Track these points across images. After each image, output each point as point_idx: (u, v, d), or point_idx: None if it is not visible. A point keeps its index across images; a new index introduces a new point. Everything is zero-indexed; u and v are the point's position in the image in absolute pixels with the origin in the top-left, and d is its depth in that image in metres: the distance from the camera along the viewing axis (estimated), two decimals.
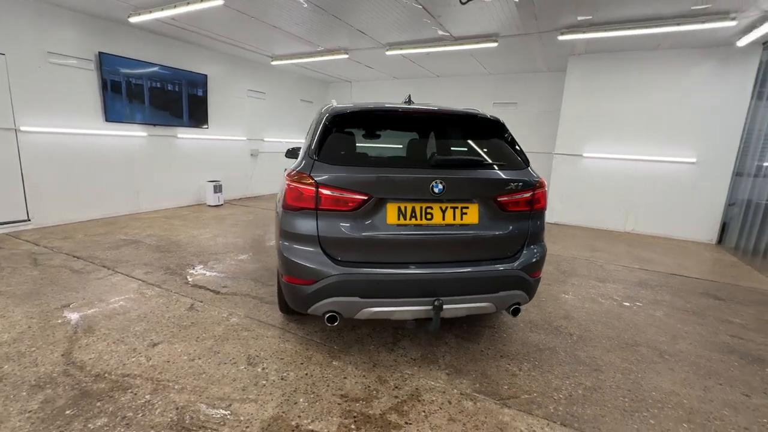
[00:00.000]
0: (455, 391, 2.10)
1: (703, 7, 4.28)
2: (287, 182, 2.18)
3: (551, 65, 7.51)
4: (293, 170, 2.23)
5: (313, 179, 2.06)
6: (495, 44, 5.71)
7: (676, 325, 3.07)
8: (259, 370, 2.20)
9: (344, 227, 2.08)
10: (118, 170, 6.06)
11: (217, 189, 7.34)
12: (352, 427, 1.80)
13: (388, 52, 6.54)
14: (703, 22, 4.55)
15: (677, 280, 4.20)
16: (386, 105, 2.42)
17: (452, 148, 2.29)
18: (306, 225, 2.10)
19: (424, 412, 1.92)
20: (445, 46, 6.07)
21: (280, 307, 2.85)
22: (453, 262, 2.18)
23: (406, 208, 2.09)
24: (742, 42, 5.13)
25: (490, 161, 2.30)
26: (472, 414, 1.92)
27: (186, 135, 7.01)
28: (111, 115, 5.75)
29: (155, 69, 6.25)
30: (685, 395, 2.17)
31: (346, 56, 7.01)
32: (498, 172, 2.24)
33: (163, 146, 6.71)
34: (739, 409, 2.07)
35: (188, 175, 7.21)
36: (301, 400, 1.97)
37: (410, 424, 1.84)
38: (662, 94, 6.13)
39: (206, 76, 7.11)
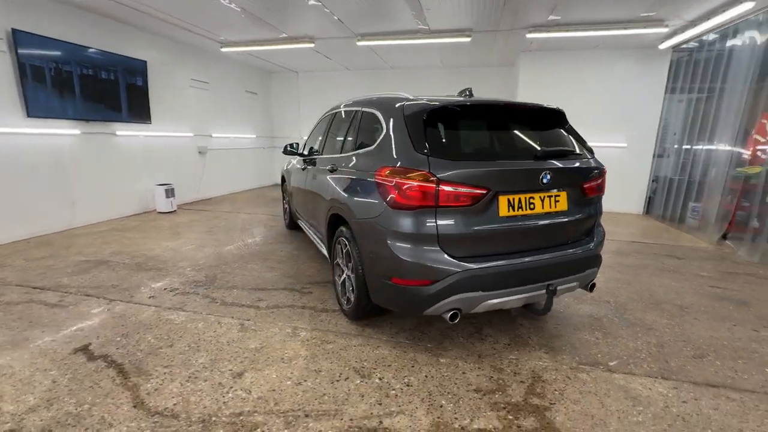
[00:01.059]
0: (564, 366, 2.26)
1: (649, 14, 5.06)
2: (397, 181, 2.06)
3: (502, 60, 8.11)
4: (396, 167, 2.10)
5: (434, 176, 1.98)
6: (468, 39, 5.97)
7: (670, 283, 3.68)
8: (377, 380, 2.07)
9: (462, 223, 2.05)
10: (46, 177, 4.91)
11: (170, 193, 6.42)
12: (510, 417, 1.83)
13: (360, 43, 6.38)
14: (644, 27, 5.38)
15: (640, 246, 4.99)
16: (482, 99, 2.38)
17: (536, 140, 2.39)
18: (424, 224, 2.02)
19: (556, 390, 2.03)
20: (419, 39, 6.14)
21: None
22: (552, 248, 2.31)
23: (515, 199, 2.14)
24: (663, 45, 6.19)
25: (577, 151, 2.46)
26: (594, 384, 2.09)
27: (126, 132, 5.96)
28: (34, 109, 4.61)
29: (87, 53, 5.16)
30: (720, 338, 2.65)
31: (312, 45, 6.64)
32: (585, 160, 2.42)
33: (99, 146, 5.61)
34: (762, 342, 2.60)
35: (132, 179, 6.16)
36: (444, 402, 1.92)
37: (554, 404, 1.93)
38: (599, 87, 7.08)
39: (146, 62, 6.10)
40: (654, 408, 1.92)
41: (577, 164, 2.34)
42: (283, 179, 5.53)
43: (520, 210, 2.16)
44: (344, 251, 2.70)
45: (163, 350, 2.32)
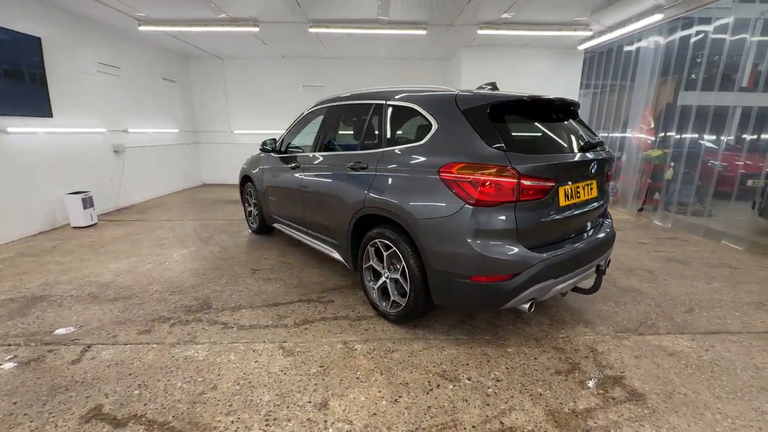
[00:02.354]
0: (607, 337, 2.51)
1: (581, 18, 5.75)
2: (475, 177, 2.00)
3: (441, 54, 8.42)
4: (471, 163, 2.04)
5: (515, 170, 1.98)
6: (424, 32, 6.04)
7: (627, 251, 4.33)
8: (467, 381, 2.03)
9: (535, 215, 2.10)
10: None
11: (87, 203, 5.24)
12: (601, 392, 1.97)
13: (312, 30, 5.97)
14: (574, 30, 6.10)
15: None
16: (528, 94, 2.40)
17: (571, 132, 2.52)
18: (505, 219, 2.02)
19: (617, 360, 2.25)
20: (376, 29, 6.00)
21: None
22: (590, 231, 2.52)
23: (570, 190, 2.26)
24: (581, 47, 7.11)
25: (602, 141, 2.68)
26: (638, 349, 2.37)
27: (20, 128, 4.64)
28: None
29: None
30: (691, 293, 3.22)
31: (256, 30, 5.99)
32: (608, 150, 2.66)
33: None
34: (718, 291, 3.24)
35: (32, 188, 4.85)
36: (540, 390, 1.97)
37: (623, 372, 2.14)
38: (528, 81, 7.85)
39: (39, 40, 4.81)
40: (692, 360, 2.26)
41: (604, 154, 2.58)
42: (245, 180, 4.95)
43: (572, 199, 2.30)
44: (386, 254, 2.55)
45: (209, 395, 1.92)
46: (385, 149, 2.62)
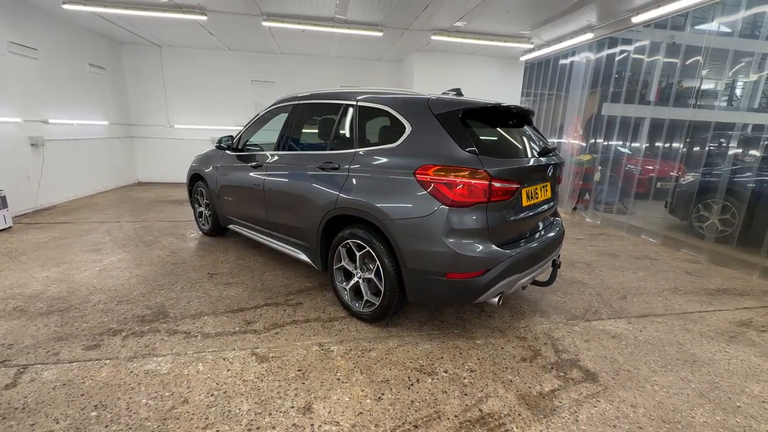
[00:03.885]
0: (560, 324, 2.76)
1: (524, 32, 6.21)
2: (451, 179, 2.10)
3: (392, 57, 8.56)
4: (446, 165, 2.13)
5: (487, 173, 2.10)
6: (380, 34, 6.11)
7: (567, 246, 4.78)
8: (444, 374, 2.13)
9: (502, 215, 2.26)
10: None
11: (1, 203, 4.55)
12: (561, 374, 2.18)
13: (265, 23, 5.74)
14: (518, 42, 6.57)
15: None
16: (495, 102, 2.53)
17: (528, 138, 2.71)
18: (478, 218, 2.15)
19: (571, 344, 2.50)
20: (332, 27, 5.94)
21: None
22: (545, 228, 2.76)
23: (530, 191, 2.46)
24: (523, 58, 7.68)
25: (555, 147, 2.93)
26: (587, 333, 2.65)
27: None
28: None
29: None
30: (623, 282, 3.66)
31: (203, 18, 5.61)
32: (559, 155, 2.92)
33: None
34: (643, 280, 3.72)
35: None
36: (510, 377, 2.13)
37: (578, 355, 2.38)
38: (475, 88, 8.29)
39: None
40: (630, 340, 2.59)
41: (556, 159, 2.83)
42: (194, 179, 4.64)
43: (532, 200, 2.51)
44: (359, 255, 2.57)
45: (181, 410, 1.80)
46: (357, 150, 2.64)
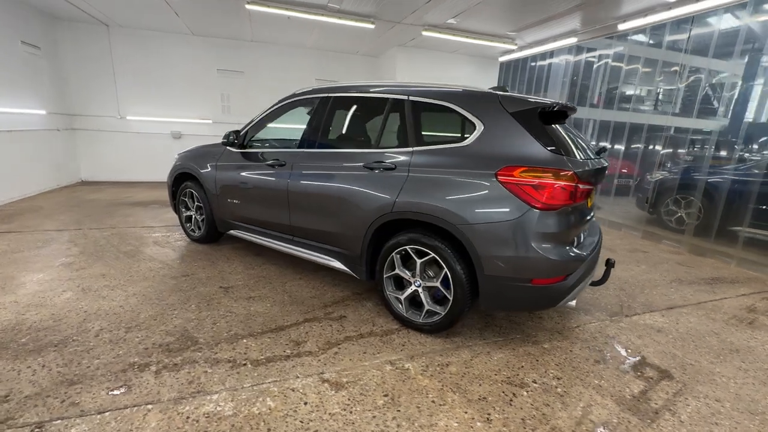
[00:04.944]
0: (606, 321, 2.81)
1: (511, 33, 6.34)
2: (542, 181, 1.99)
3: (370, 51, 8.33)
4: (535, 167, 2.02)
5: (575, 174, 2.03)
6: (372, 26, 5.86)
7: None
8: (535, 384, 2.03)
9: (576, 217, 2.21)
10: None
11: None
12: (639, 374, 2.19)
13: (250, 6, 5.22)
14: (503, 42, 6.70)
15: None
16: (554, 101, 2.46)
17: (579, 137, 2.66)
18: (562, 222, 2.08)
19: (628, 342, 2.54)
20: (322, 15, 5.57)
21: None
22: (591, 229, 2.77)
23: (592, 192, 2.45)
24: (502, 58, 7.88)
25: (604, 147, 2.95)
26: (634, 329, 2.72)
27: None
28: None
29: None
30: (633, 276, 3.86)
31: None
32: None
33: None
34: (652, 272, 3.96)
35: None
36: (596, 381, 2.09)
37: (640, 351, 2.42)
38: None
39: None
40: (673, 333, 2.70)
41: (606, 161, 2.86)
42: (180, 178, 4.08)
43: (591, 200, 2.50)
44: (420, 262, 2.38)
45: None
46: (413, 148, 2.44)
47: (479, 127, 2.24)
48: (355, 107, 2.99)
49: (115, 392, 1.83)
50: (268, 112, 3.45)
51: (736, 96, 6.39)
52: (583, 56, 6.97)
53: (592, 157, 2.44)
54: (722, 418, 1.87)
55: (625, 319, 2.88)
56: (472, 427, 1.72)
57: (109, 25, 7.08)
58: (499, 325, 2.68)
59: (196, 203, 3.97)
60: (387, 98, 2.65)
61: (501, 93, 2.33)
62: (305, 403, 1.82)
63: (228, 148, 3.59)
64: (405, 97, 2.56)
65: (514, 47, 6.91)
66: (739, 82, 5.83)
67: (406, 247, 2.42)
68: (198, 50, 7.70)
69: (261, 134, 3.57)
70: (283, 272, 3.44)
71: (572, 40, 6.11)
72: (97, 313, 2.57)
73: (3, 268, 3.21)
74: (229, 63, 7.96)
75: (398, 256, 2.50)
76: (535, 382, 2.07)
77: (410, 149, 2.45)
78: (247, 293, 2.99)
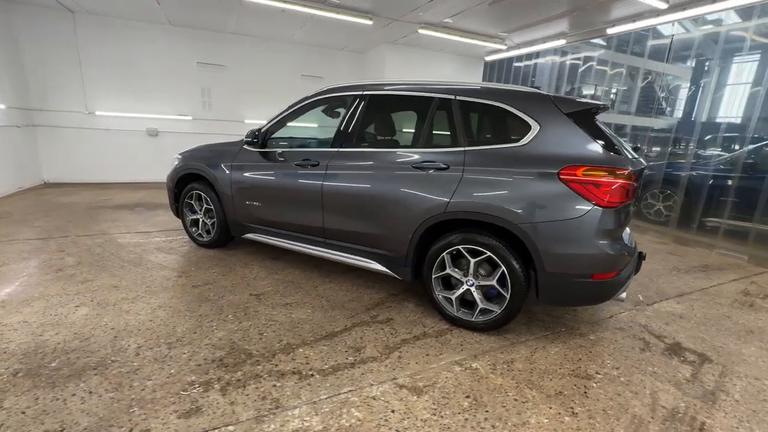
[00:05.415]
0: (634, 311, 2.98)
1: (502, 33, 6.50)
2: (606, 179, 2.06)
3: (358, 47, 8.22)
4: (597, 165, 2.09)
5: (632, 172, 2.12)
6: (370, 22, 5.77)
7: None
8: (600, 376, 2.11)
9: (626, 213, 2.31)
10: None
11: None
12: (683, 359, 2.34)
13: None
14: (494, 42, 6.85)
15: None
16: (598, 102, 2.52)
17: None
18: (619, 218, 2.17)
19: (659, 328, 2.71)
20: (318, 9, 5.40)
21: None
22: None
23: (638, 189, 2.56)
24: (488, 57, 8.06)
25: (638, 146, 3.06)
26: (659, 316, 2.91)
27: None
28: None
29: None
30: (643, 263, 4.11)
31: None
32: None
33: None
34: (655, 261, 4.24)
35: None
36: (651, 369, 2.21)
37: (674, 337, 2.59)
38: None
39: None
40: (694, 318, 2.91)
41: None
42: (184, 180, 3.82)
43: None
44: (473, 261, 2.39)
45: None
46: (465, 148, 2.44)
47: (535, 127, 2.28)
48: (394, 106, 2.94)
49: (187, 416, 1.69)
50: (290, 110, 3.29)
51: (689, 97, 6.89)
52: (557, 58, 7.31)
53: (636, 156, 2.56)
54: None
55: (647, 307, 3.07)
56: (561, 422, 1.76)
57: (75, 11, 6.44)
58: (541, 319, 2.76)
59: (204, 206, 3.72)
60: (432, 97, 2.63)
61: (553, 94, 2.38)
62: (392, 411, 1.78)
63: (245, 147, 3.40)
64: (452, 97, 2.55)
65: (503, 47, 7.10)
66: (689, 85, 6.33)
67: (459, 246, 2.42)
68: (176, 41, 7.21)
69: (281, 133, 3.41)
70: (309, 276, 3.32)
71: (560, 42, 6.38)
72: (126, 329, 2.34)
73: None
74: (209, 56, 7.53)
75: (448, 256, 2.49)
76: (599, 374, 2.15)
77: (462, 149, 2.44)
78: (281, 300, 2.86)
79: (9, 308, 2.52)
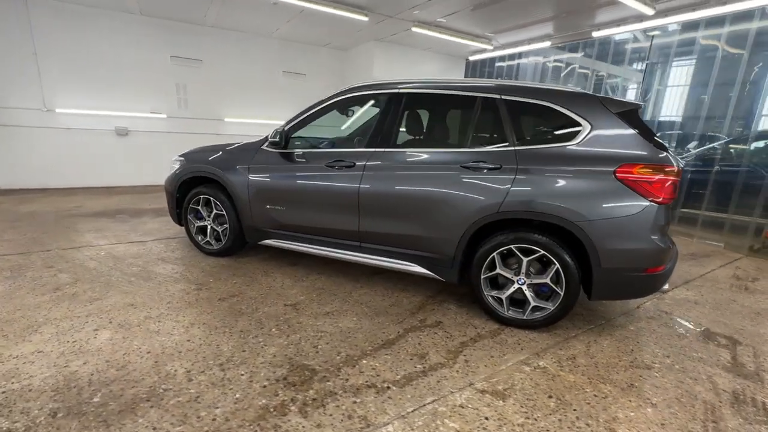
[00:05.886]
0: (654, 299, 3.15)
1: (489, 34, 6.63)
2: (661, 177, 2.14)
3: (341, 44, 8.05)
4: (652, 164, 2.16)
5: (680, 169, 2.22)
6: (366, 18, 5.64)
7: None
8: (657, 365, 2.20)
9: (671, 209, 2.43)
10: None
11: None
12: (716, 343, 2.51)
13: None
14: (482, 42, 6.98)
15: None
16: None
17: None
18: (668, 214, 2.27)
19: (683, 315, 2.88)
20: (315, 4, 5.19)
21: None
22: None
23: None
24: (472, 57, 8.20)
25: None
26: (678, 304, 3.10)
27: None
28: None
29: None
30: None
31: None
32: None
33: None
34: None
35: None
36: (695, 354, 2.34)
37: (700, 323, 2.77)
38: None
39: None
40: (707, 304, 3.14)
41: None
42: (189, 184, 3.53)
43: None
44: (526, 260, 2.41)
45: None
46: (516, 148, 2.44)
47: (586, 127, 2.33)
48: (434, 105, 2.88)
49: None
50: (314, 109, 3.12)
51: (645, 97, 7.39)
52: (540, 59, 7.61)
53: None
54: None
55: (664, 296, 3.27)
56: (645, 414, 1.81)
57: None
58: (579, 313, 2.83)
59: (214, 211, 3.46)
60: (476, 96, 2.60)
61: (600, 95, 2.44)
62: (486, 419, 1.74)
63: (265, 147, 3.19)
64: (497, 96, 2.54)
65: (490, 47, 7.26)
66: (640, 86, 6.81)
67: (511, 246, 2.43)
68: (147, 33, 6.64)
69: (303, 133, 3.23)
70: (337, 281, 3.19)
71: (546, 44, 6.63)
72: (165, 352, 2.11)
73: None
74: (185, 49, 7.02)
75: (498, 255, 2.49)
76: (655, 363, 2.24)
77: (512, 148, 2.44)
78: (319, 309, 2.71)
79: (13, 338, 2.18)
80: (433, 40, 7.10)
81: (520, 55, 7.77)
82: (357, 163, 2.81)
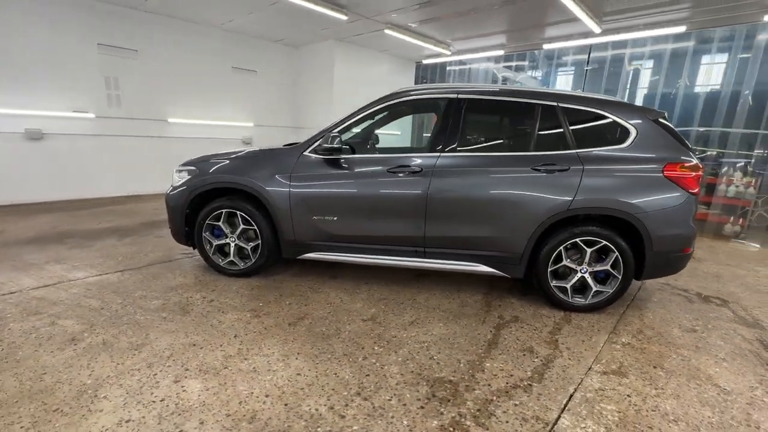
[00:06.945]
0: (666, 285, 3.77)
1: (449, 40, 6.99)
2: (696, 174, 2.59)
3: (294, 40, 7.66)
4: (689, 163, 2.60)
5: (703, 166, 2.71)
6: (345, 17, 5.46)
7: None
8: (700, 342, 2.67)
9: None
10: None
11: None
12: (739, 319, 3.13)
13: None
14: (443, 47, 7.30)
15: None
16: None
17: None
18: (697, 203, 2.75)
19: (717, 290, 3.52)
20: None
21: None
22: None
23: None
24: (426, 60, 8.51)
25: None
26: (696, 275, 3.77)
27: None
28: None
29: None
30: None
31: None
32: None
33: None
34: None
35: None
36: (725, 329, 2.90)
37: (729, 298, 3.42)
38: (380, 81, 8.56)
39: None
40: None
41: None
42: (208, 195, 3.07)
43: None
44: (590, 251, 2.70)
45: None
46: (577, 151, 2.70)
47: (633, 132, 2.70)
48: (497, 111, 2.98)
49: None
50: (365, 113, 2.98)
51: None
52: (491, 64, 8.32)
53: None
54: None
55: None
56: (724, 367, 2.22)
57: None
58: None
59: (241, 226, 3.05)
60: (535, 103, 2.79)
61: (639, 104, 2.84)
62: (628, 395, 1.93)
63: (307, 154, 2.93)
64: (554, 103, 2.77)
65: (448, 53, 7.64)
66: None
67: (576, 239, 2.69)
68: (69, 17, 5.40)
69: (349, 138, 3.06)
70: (393, 289, 3.12)
71: (500, 52, 7.25)
72: (286, 392, 1.84)
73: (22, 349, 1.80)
74: (115, 37, 5.90)
75: (563, 249, 2.74)
76: (696, 327, 2.72)
77: (574, 151, 2.70)
78: (400, 319, 2.63)
79: (75, 411, 1.67)
80: (395, 41, 7.20)
81: (469, 61, 8.36)
82: (424, 168, 2.79)
